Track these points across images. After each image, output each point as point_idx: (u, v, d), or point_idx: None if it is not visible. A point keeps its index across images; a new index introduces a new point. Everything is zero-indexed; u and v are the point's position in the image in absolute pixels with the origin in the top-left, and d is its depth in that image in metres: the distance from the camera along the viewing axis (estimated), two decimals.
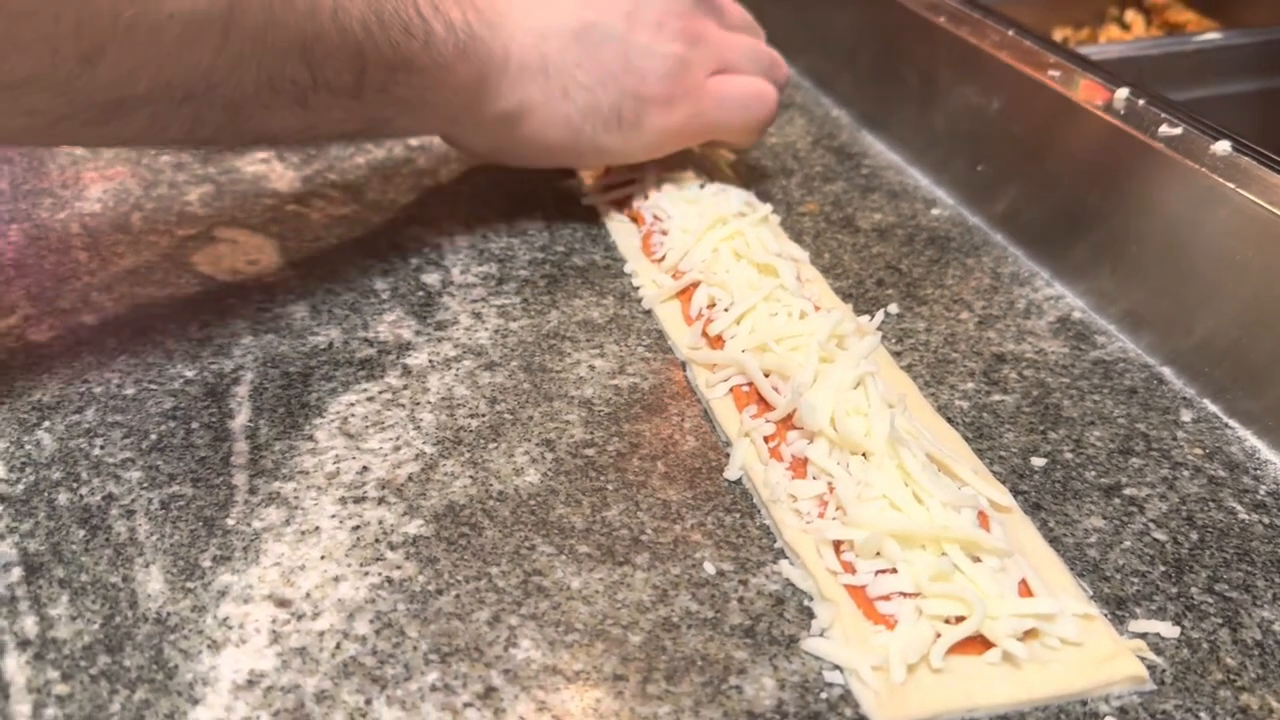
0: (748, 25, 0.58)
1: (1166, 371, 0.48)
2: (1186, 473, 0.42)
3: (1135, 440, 0.44)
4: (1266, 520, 0.40)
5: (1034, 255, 0.56)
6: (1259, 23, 0.78)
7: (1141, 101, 0.52)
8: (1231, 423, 0.45)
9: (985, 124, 0.59)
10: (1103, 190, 0.52)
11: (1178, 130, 0.50)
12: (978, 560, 0.36)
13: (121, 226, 0.53)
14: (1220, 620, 0.36)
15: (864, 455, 0.39)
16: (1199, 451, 0.44)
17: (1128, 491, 0.41)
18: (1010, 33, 0.60)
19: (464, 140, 0.53)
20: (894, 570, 0.35)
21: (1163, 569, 0.38)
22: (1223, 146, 0.48)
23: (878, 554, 0.36)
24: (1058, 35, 0.88)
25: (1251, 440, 0.44)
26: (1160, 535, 0.39)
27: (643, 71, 0.50)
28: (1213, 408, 0.46)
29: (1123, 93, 0.52)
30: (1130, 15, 0.89)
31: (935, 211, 0.60)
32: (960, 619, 0.34)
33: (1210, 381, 0.46)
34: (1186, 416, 0.45)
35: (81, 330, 0.46)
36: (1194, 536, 0.39)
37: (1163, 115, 0.51)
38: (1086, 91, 0.54)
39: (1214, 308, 0.46)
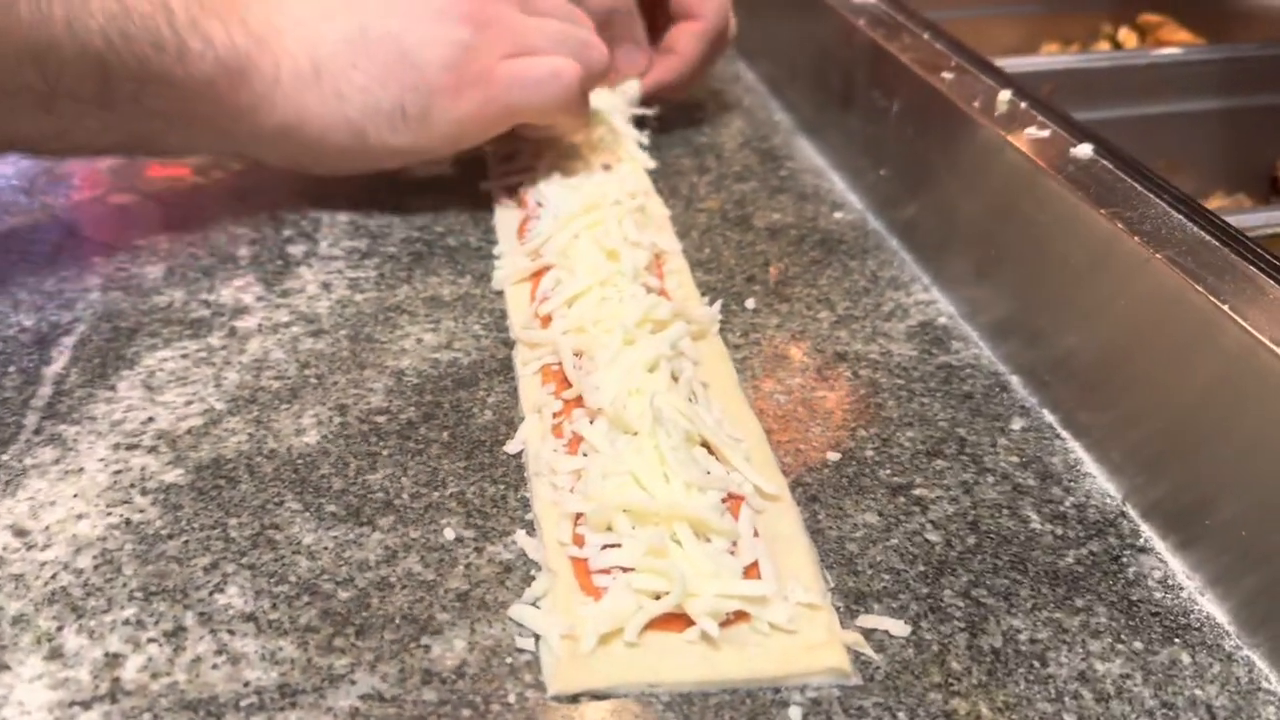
0: (559, 9, 0.56)
1: (1014, 380, 0.46)
2: (991, 479, 0.41)
3: (949, 443, 0.42)
4: (1059, 531, 0.39)
5: (920, 261, 0.55)
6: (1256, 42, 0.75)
7: (1023, 105, 0.51)
8: (1064, 434, 0.43)
9: (887, 127, 0.58)
10: (972, 194, 0.50)
11: (1045, 133, 0.48)
12: (708, 541, 0.35)
13: (25, 189, 0.55)
14: (963, 624, 0.35)
15: (635, 434, 0.39)
16: (1015, 459, 0.42)
17: (917, 492, 0.40)
18: (925, 36, 0.59)
19: (252, 153, 0.53)
20: (619, 545, 0.35)
21: (921, 569, 0.37)
22: (1084, 150, 0.46)
23: (609, 528, 0.35)
24: (1044, 51, 0.86)
25: (1078, 453, 0.43)
26: (933, 536, 0.38)
27: (422, 63, 0.49)
28: (1049, 418, 0.44)
29: (1005, 95, 0.51)
30: (1124, 33, 0.87)
31: (838, 215, 0.59)
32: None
33: (1053, 393, 0.45)
34: (1017, 425, 0.44)
35: None
36: (970, 540, 0.38)
37: (1036, 118, 0.49)
38: (969, 93, 0.52)
39: (1070, 322, 0.44)
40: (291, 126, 0.49)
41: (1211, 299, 0.37)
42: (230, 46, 0.47)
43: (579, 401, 0.41)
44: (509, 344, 0.47)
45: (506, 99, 0.51)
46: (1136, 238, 0.40)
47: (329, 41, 0.49)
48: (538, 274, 0.50)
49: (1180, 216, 0.42)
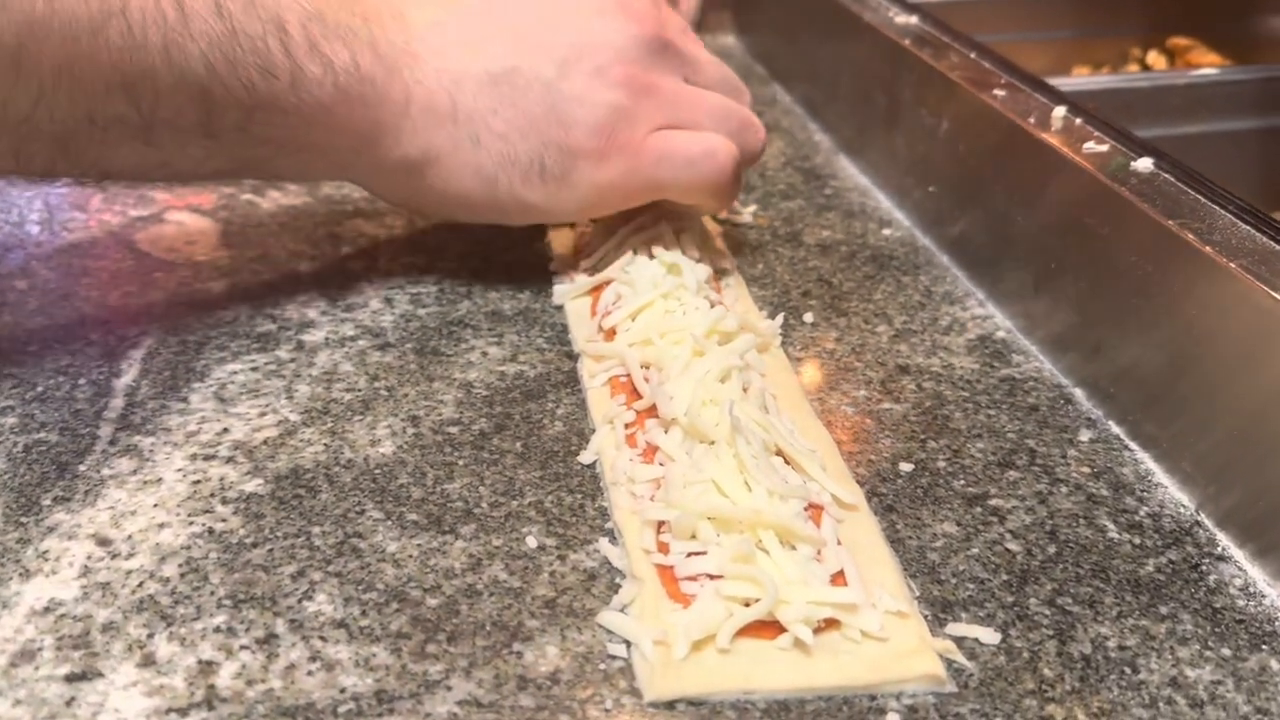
0: (724, 83, 0.52)
1: (1078, 393, 0.46)
2: (1064, 489, 0.41)
3: (1019, 455, 0.42)
4: (1137, 540, 0.39)
5: (973, 277, 0.55)
6: None
7: (1078, 120, 0.51)
8: (1132, 445, 0.44)
9: (936, 145, 0.58)
10: (1030, 209, 0.51)
11: (1104, 148, 0.48)
12: (793, 549, 0.35)
13: (80, 205, 0.56)
14: (1051, 632, 0.35)
15: (712, 444, 0.39)
16: (1086, 470, 0.42)
17: (993, 502, 0.40)
18: (972, 55, 0.60)
19: (370, 186, 0.49)
20: (705, 553, 0.35)
21: (1005, 578, 0.37)
22: (1144, 164, 0.47)
23: (693, 536, 0.35)
24: (1075, 74, 0.87)
25: (1148, 464, 0.43)
26: (1014, 546, 0.38)
27: (570, 121, 0.45)
28: (1116, 430, 0.44)
29: (1059, 111, 0.51)
30: (1153, 56, 0.87)
31: (886, 232, 0.59)
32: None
33: (1120, 405, 0.45)
34: (1085, 436, 0.44)
35: (10, 294, 0.48)
36: (1051, 550, 0.38)
37: (1094, 133, 0.50)
38: (1023, 109, 0.53)
39: (1133, 333, 0.45)
40: (416, 164, 0.46)
41: None
42: (354, 72, 0.42)
43: (651, 412, 0.41)
44: (573, 357, 0.47)
45: (654, 173, 0.47)
46: (1209, 248, 0.40)
47: (472, 79, 0.45)
48: (597, 289, 0.50)
49: (1248, 227, 0.42)
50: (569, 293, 0.50)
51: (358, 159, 0.45)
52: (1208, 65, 0.83)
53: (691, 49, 0.50)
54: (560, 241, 0.55)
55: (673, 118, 0.48)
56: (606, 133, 0.46)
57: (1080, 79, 0.74)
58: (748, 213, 0.60)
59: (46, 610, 0.33)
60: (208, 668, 0.31)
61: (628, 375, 0.44)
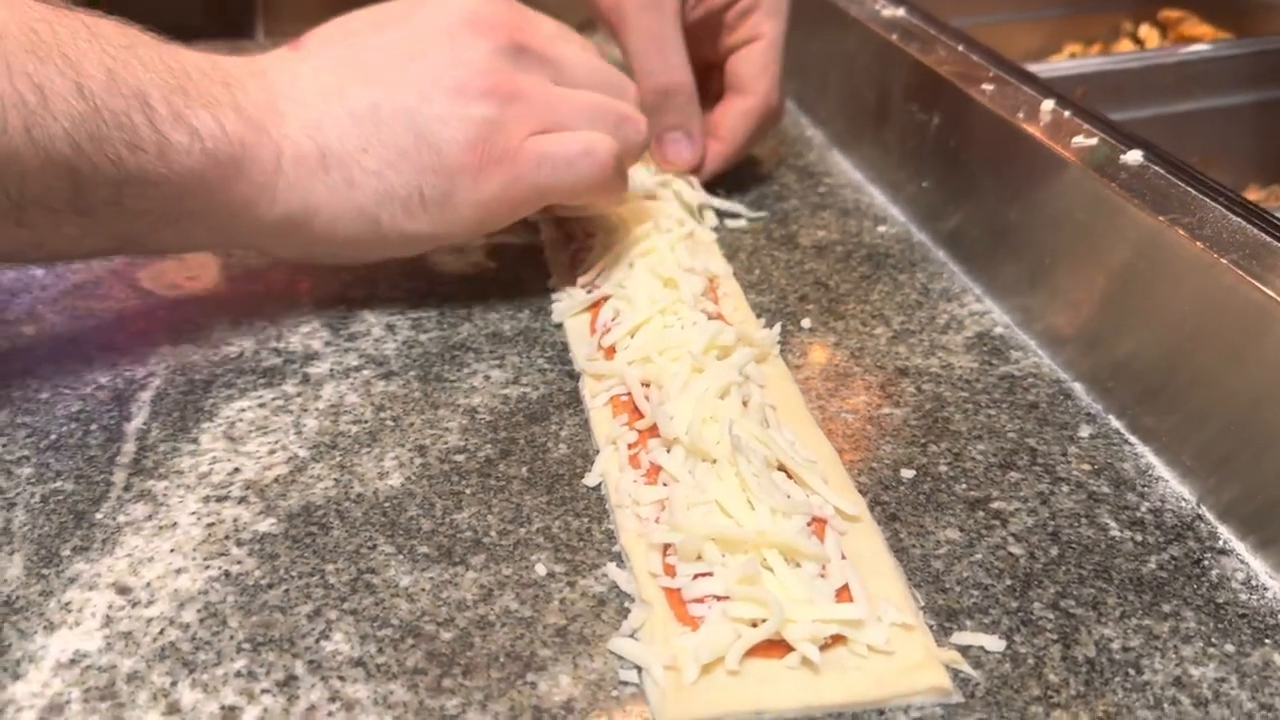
0: (597, 80, 0.51)
1: (1077, 388, 0.47)
2: (1066, 488, 0.41)
3: (1020, 455, 0.43)
4: (1139, 538, 0.39)
5: (969, 272, 0.55)
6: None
7: (1067, 113, 0.51)
8: (1132, 439, 0.44)
9: (927, 140, 0.59)
10: (1022, 203, 0.51)
11: (1092, 141, 0.49)
12: (798, 566, 0.36)
13: None
14: (1055, 636, 0.35)
15: (714, 462, 0.39)
16: (1086, 467, 0.42)
17: (995, 505, 0.40)
18: (960, 48, 0.60)
19: (258, 247, 0.49)
20: (711, 574, 0.35)
21: (1009, 583, 0.37)
22: (1134, 156, 0.47)
23: (699, 558, 0.36)
24: (1066, 52, 0.87)
25: (1148, 457, 0.43)
26: (1016, 549, 0.38)
27: (440, 143, 0.45)
28: (1116, 424, 0.45)
29: (1048, 104, 0.52)
30: (1144, 30, 0.87)
31: (882, 229, 0.60)
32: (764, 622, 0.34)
33: (1119, 399, 0.45)
34: (1085, 432, 0.44)
35: (18, 339, 0.49)
36: (1053, 552, 0.38)
37: (1082, 126, 0.50)
38: (1012, 104, 0.53)
39: (1128, 326, 0.45)
40: (297, 218, 0.45)
41: (1275, 297, 0.37)
42: (221, 137, 0.42)
43: (653, 431, 0.42)
44: (574, 376, 0.47)
45: (534, 179, 0.47)
46: (1199, 243, 0.41)
47: (337, 122, 0.45)
48: (596, 305, 0.51)
49: (1238, 219, 0.42)
50: (567, 310, 0.51)
51: (238, 221, 0.45)
52: (1200, 37, 0.83)
53: (555, 50, 0.49)
54: (557, 258, 0.55)
55: (545, 121, 0.47)
56: (480, 147, 0.46)
57: (1071, 62, 0.74)
58: (743, 211, 0.60)
59: (72, 662, 0.34)
60: (231, 713, 0.32)
61: (629, 394, 0.44)
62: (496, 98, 0.46)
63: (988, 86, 0.55)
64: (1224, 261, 0.39)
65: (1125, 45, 0.87)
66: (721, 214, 0.60)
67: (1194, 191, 0.44)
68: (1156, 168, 0.46)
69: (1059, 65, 0.71)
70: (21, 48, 0.38)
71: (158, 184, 0.41)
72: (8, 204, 0.39)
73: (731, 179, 0.63)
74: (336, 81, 0.46)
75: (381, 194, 0.45)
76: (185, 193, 0.42)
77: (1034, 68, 0.64)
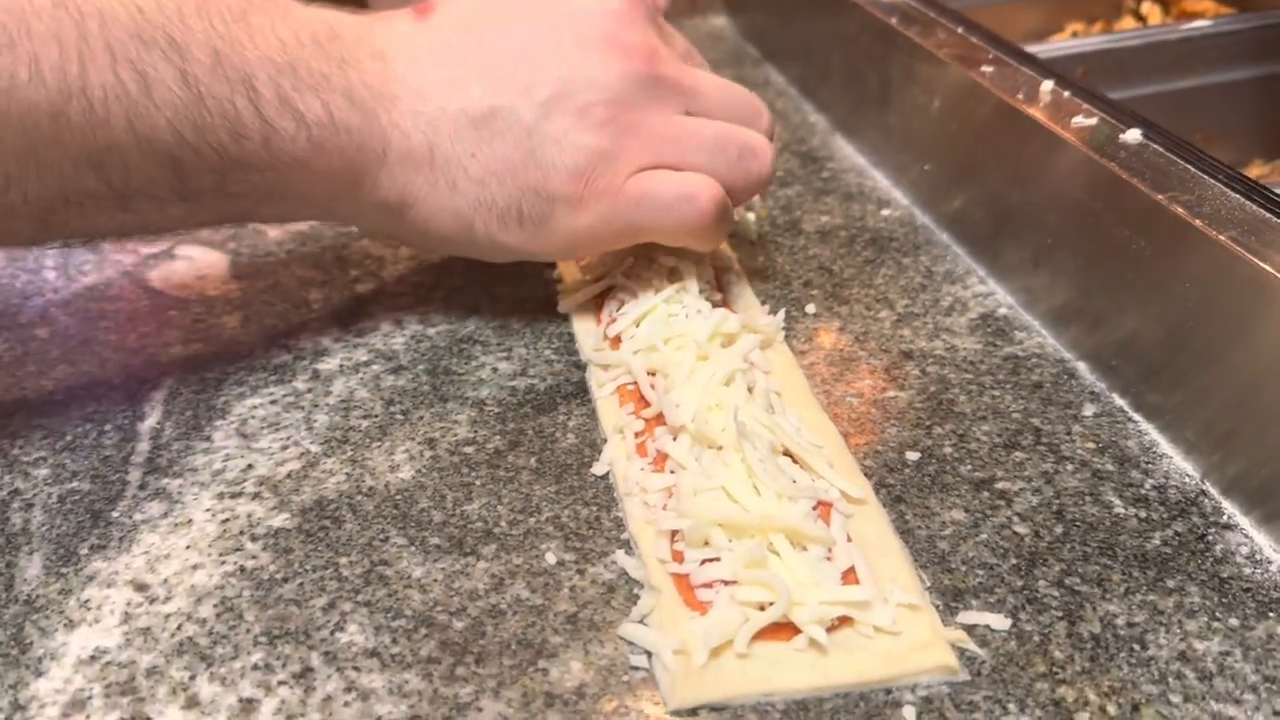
0: (731, 108, 0.48)
1: (1081, 367, 0.47)
2: (1070, 467, 0.42)
3: (1025, 435, 0.43)
4: (1143, 514, 0.39)
5: (973, 254, 0.55)
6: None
7: (1066, 93, 0.51)
8: (1136, 416, 0.44)
9: (929, 123, 0.59)
10: (1023, 185, 0.51)
11: (1092, 121, 0.49)
12: (804, 549, 0.36)
13: (93, 247, 0.57)
14: (1060, 613, 0.36)
15: (720, 449, 0.40)
16: (1091, 446, 0.43)
17: (1000, 485, 0.41)
18: (960, 30, 0.60)
19: (354, 225, 0.49)
20: (718, 559, 0.36)
21: (1014, 562, 0.37)
22: (1133, 135, 0.47)
23: (706, 543, 0.36)
24: (1068, 30, 0.86)
25: (1153, 435, 0.43)
26: (1021, 529, 0.39)
27: (548, 165, 0.44)
28: (1120, 402, 0.45)
29: (1047, 85, 0.52)
30: (1146, 6, 0.87)
31: (885, 213, 0.60)
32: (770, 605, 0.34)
33: (1122, 377, 0.45)
34: (1089, 411, 0.45)
35: (32, 343, 0.50)
36: (1058, 530, 0.39)
37: (1082, 106, 0.50)
38: (1012, 85, 0.53)
39: (1131, 305, 0.45)
40: (394, 207, 0.45)
41: (1275, 273, 0.37)
42: (328, 125, 0.42)
43: (659, 420, 0.42)
44: (581, 366, 0.48)
45: (631, 217, 0.45)
46: (1198, 220, 0.41)
47: (452, 122, 0.44)
48: (601, 296, 0.51)
49: (1237, 196, 0.42)
50: (573, 301, 0.51)
51: (337, 204, 0.45)
52: (1202, 13, 0.82)
53: (689, 78, 0.47)
54: None
55: (658, 157, 0.45)
56: (584, 177, 0.44)
57: (1071, 41, 0.74)
58: (750, 216, 0.60)
59: (92, 659, 0.34)
60: (249, 705, 0.33)
61: (635, 383, 0.44)
62: (613, 129, 0.44)
63: (987, 68, 0.55)
64: (1223, 238, 0.40)
65: (1128, 22, 0.86)
66: None
67: (1193, 169, 0.44)
68: (1155, 146, 0.46)
69: (1060, 45, 0.71)
70: (127, 32, 0.37)
71: (262, 170, 0.41)
72: (112, 194, 0.39)
73: None
74: (458, 73, 0.44)
75: (481, 202, 0.45)
76: (289, 177, 0.42)
77: (1035, 48, 0.64)
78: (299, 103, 0.41)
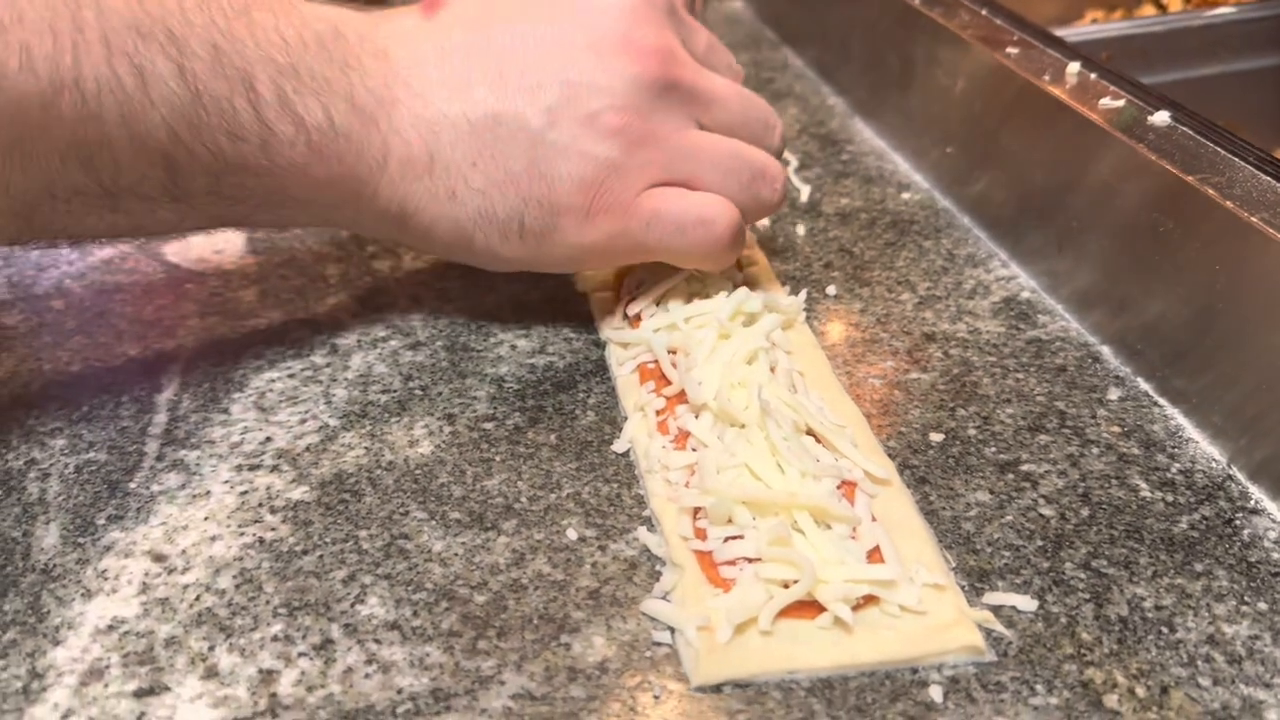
0: (745, 121, 0.46)
1: (1105, 351, 0.47)
2: (1095, 450, 0.41)
3: (1049, 418, 0.43)
4: (1169, 498, 0.39)
5: (995, 237, 0.55)
6: None
7: (1093, 75, 0.51)
8: (1161, 401, 0.44)
9: (951, 106, 0.58)
10: (1048, 167, 0.51)
11: (1119, 103, 0.48)
12: (829, 528, 0.36)
13: None
14: (1087, 595, 0.35)
15: (742, 427, 0.39)
16: (1116, 429, 0.42)
17: (1025, 468, 0.40)
18: (983, 12, 0.59)
19: (353, 230, 0.47)
20: (741, 537, 0.35)
21: (1040, 544, 0.37)
22: (1161, 118, 0.46)
23: (730, 521, 0.36)
24: (1088, 17, 0.86)
25: (1178, 419, 0.43)
26: (1047, 511, 0.38)
27: (553, 176, 0.42)
28: (1145, 386, 0.45)
29: (1074, 67, 0.51)
30: None
31: (906, 196, 0.60)
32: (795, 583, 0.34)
33: (1148, 361, 0.45)
34: (1114, 395, 0.44)
35: (47, 314, 0.49)
36: (1084, 513, 0.38)
37: (1109, 88, 0.49)
38: (1038, 67, 0.52)
39: (1157, 288, 0.45)
40: (394, 216, 0.43)
41: None
42: (328, 130, 0.40)
43: (680, 398, 0.42)
44: (600, 345, 0.47)
45: (642, 237, 0.43)
46: (1229, 203, 0.40)
47: (453, 127, 0.42)
48: (620, 274, 0.50)
49: (1268, 178, 0.42)
50: (592, 279, 0.51)
51: (336, 211, 0.43)
52: (1224, 0, 0.82)
53: (706, 84, 0.44)
54: None
55: (671, 171, 0.43)
56: (593, 190, 0.42)
57: (1093, 27, 0.73)
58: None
59: (110, 628, 0.34)
60: (269, 676, 0.33)
61: (655, 361, 0.44)
62: (625, 139, 0.42)
63: (1012, 50, 0.54)
64: (1254, 220, 0.39)
65: (1148, 9, 0.86)
66: None
67: (1223, 151, 0.44)
68: (1184, 128, 0.46)
69: (1081, 30, 0.71)
70: (124, 23, 0.35)
71: (258, 174, 0.39)
72: (101, 192, 0.37)
73: None
74: (462, 74, 0.42)
75: (482, 213, 0.43)
76: (286, 183, 0.40)
77: (1056, 33, 0.63)
78: (299, 106, 0.39)
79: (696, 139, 0.44)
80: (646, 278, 0.49)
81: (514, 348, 0.47)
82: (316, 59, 0.40)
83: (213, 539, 0.37)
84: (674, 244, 0.44)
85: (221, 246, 0.54)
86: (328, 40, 0.41)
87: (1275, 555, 0.37)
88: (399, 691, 0.32)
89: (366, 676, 0.32)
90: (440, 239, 0.44)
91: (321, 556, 0.37)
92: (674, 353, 0.44)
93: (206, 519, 0.38)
